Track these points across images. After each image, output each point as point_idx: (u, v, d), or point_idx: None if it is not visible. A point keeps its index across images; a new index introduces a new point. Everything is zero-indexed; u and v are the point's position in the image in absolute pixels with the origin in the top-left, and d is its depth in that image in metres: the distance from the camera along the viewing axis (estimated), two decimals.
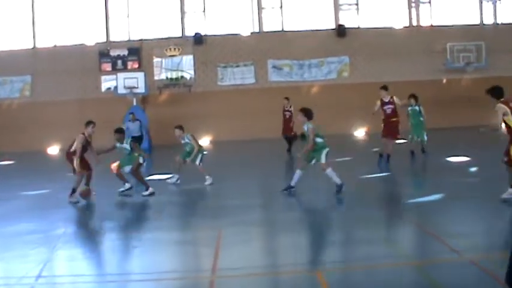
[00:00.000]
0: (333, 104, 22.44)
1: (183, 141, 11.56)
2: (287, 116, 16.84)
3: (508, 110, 7.40)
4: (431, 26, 24.29)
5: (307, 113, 9.58)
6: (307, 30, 23.81)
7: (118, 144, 10.59)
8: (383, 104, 13.12)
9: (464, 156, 13.51)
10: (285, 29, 24.10)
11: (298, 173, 9.53)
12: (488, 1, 24.46)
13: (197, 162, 11.37)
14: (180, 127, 11.53)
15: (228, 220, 8.00)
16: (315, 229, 7.65)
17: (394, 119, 13.10)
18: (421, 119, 14.54)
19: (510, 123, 7.40)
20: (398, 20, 24.39)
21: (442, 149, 14.97)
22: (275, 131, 17.64)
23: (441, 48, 23.62)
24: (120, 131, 10.78)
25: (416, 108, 14.61)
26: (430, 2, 24.42)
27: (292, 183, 9.52)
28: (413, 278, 5.25)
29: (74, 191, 9.73)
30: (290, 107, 16.84)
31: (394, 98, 13.18)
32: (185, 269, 6.03)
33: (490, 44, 23.55)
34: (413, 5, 24.37)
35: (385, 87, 13.30)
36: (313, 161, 9.53)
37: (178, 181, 11.53)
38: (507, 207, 7.73)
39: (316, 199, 9.65)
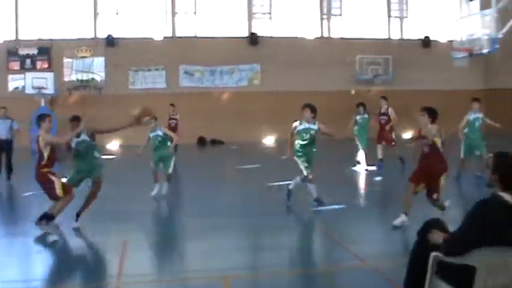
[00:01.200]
0: (243, 111, 28.67)
1: (152, 134, 12.63)
2: (172, 125, 19.22)
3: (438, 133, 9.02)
4: (342, 38, 30.96)
5: None
6: (219, 37, 29.65)
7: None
8: (380, 114, 17.32)
9: (371, 165, 16.86)
10: (197, 35, 29.99)
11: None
12: (395, 17, 31.50)
13: (170, 170, 12.62)
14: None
15: (134, 225, 9.55)
16: (222, 235, 9.01)
17: (387, 128, 17.11)
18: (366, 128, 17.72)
19: (437, 144, 9.03)
20: (310, 31, 30.85)
21: (349, 159, 18.16)
22: (186, 136, 21.34)
23: (351, 60, 30.24)
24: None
25: (366, 116, 17.89)
26: (341, 15, 31.16)
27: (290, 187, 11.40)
28: (319, 284, 6.66)
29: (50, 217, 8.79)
30: (176, 114, 20.01)
31: (390, 109, 17.20)
32: (89, 275, 7.02)
33: (396, 58, 30.43)
34: (325, 16, 30.99)
35: (385, 98, 17.46)
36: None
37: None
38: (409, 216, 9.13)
39: (224, 206, 11.47)
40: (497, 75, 31.92)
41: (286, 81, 29.66)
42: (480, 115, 14.82)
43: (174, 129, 18.29)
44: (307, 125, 11.20)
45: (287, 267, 7.29)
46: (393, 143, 17.17)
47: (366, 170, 16.87)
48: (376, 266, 6.95)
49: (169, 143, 12.96)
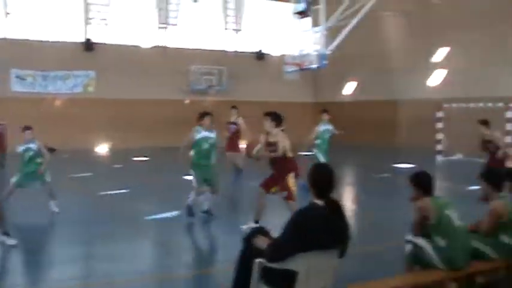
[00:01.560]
0: (77, 118, 30.29)
1: (22, 148, 12.01)
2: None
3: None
4: (177, 48, 33.68)
5: None
6: (54, 41, 31.07)
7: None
8: (230, 123, 17.79)
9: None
10: (30, 38, 31.00)
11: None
12: (231, 29, 34.81)
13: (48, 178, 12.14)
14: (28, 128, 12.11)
15: None
16: (56, 245, 9.45)
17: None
18: None
19: (288, 154, 9.76)
20: (146, 40, 33.26)
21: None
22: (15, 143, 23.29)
23: (185, 70, 32.96)
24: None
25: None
26: (177, 25, 33.86)
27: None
28: None
29: None
30: None
31: (240, 119, 17.92)
32: None
33: (231, 70, 33.67)
34: (161, 26, 33.59)
35: (235, 107, 18.11)
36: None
37: None
38: (235, 223, 10.55)
39: (56, 215, 11.67)
40: (325, 89, 36.24)
41: (121, 89, 31.69)
42: (330, 127, 16.08)
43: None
44: (206, 134, 11.26)
45: (119, 277, 7.55)
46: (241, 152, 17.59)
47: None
48: (209, 271, 7.79)
49: None
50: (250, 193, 12.62)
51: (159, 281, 7.62)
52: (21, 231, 10.12)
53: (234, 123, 17.93)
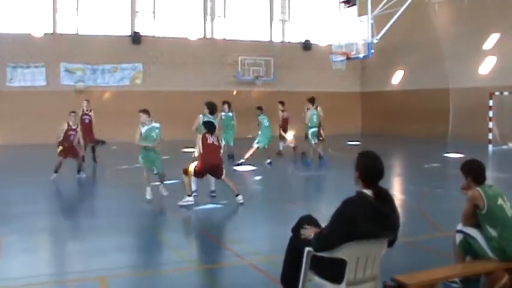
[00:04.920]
0: (124, 111, 30.63)
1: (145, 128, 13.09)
2: (86, 121, 19.83)
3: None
4: (225, 39, 33.82)
5: None
6: (102, 35, 31.53)
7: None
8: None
9: (250, 165, 18.67)
10: (79, 32, 31.66)
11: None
12: (278, 20, 34.76)
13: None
14: (146, 111, 13.30)
15: (11, 228, 9.81)
16: (100, 236, 9.45)
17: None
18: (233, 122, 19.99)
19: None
20: (193, 31, 33.48)
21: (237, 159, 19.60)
22: None
23: (233, 61, 33.13)
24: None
25: (230, 114, 20.44)
26: (224, 16, 33.98)
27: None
28: (197, 282, 7.10)
29: None
30: (90, 110, 20.35)
31: (319, 108, 20.05)
32: None
33: (278, 60, 33.68)
34: (208, 17, 33.76)
35: (312, 100, 20.11)
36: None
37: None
38: (288, 214, 10.59)
39: (103, 206, 12.31)
40: (372, 79, 35.93)
41: (169, 81, 32.15)
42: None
43: (88, 125, 19.77)
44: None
45: (167, 266, 7.75)
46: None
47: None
48: (254, 262, 7.65)
49: None
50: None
51: (208, 270, 7.65)
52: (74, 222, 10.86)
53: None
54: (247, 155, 19.30)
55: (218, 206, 12.07)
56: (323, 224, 5.16)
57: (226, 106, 20.63)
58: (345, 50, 25.99)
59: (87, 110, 20.41)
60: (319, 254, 4.95)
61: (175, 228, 10.55)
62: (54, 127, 17.07)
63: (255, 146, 19.58)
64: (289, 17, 35.68)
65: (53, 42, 30.76)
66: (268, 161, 19.47)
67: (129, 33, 32.46)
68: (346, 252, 4.74)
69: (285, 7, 35.37)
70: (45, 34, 30.85)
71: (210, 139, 11.93)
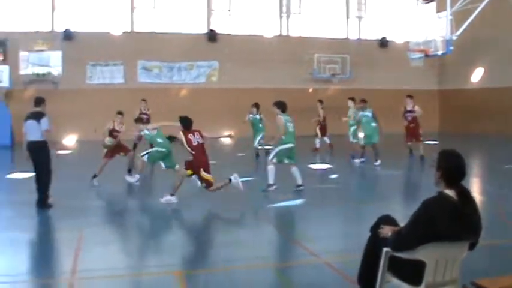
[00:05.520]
0: (201, 108, 30.88)
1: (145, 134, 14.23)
2: (144, 120, 20.25)
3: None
4: (300, 36, 33.64)
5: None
6: (178, 33, 31.98)
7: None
8: (406, 111, 19.66)
9: (324, 163, 18.92)
10: (156, 31, 32.13)
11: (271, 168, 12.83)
12: (354, 17, 34.30)
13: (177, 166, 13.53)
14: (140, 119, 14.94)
15: (90, 221, 10.15)
16: (175, 231, 9.99)
17: (412, 125, 19.49)
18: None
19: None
20: (269, 29, 33.47)
21: (306, 157, 19.45)
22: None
23: (308, 59, 32.89)
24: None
25: (257, 116, 20.02)
26: (300, 13, 33.81)
27: (271, 181, 12.83)
28: (271, 279, 7.09)
29: None
30: (148, 109, 21.20)
31: (417, 107, 19.49)
32: (43, 271, 7.35)
33: (354, 58, 33.25)
34: (283, 15, 33.66)
35: (410, 96, 19.66)
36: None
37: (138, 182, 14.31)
38: (361, 213, 10.86)
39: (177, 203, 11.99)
40: (451, 76, 34.98)
41: (243, 78, 32.15)
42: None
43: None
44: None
45: (242, 263, 7.70)
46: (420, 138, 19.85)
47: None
48: (329, 261, 7.54)
49: None
50: None
51: (282, 268, 7.69)
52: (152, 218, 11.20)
53: (410, 111, 19.41)
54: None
55: (291, 203, 11.99)
56: (402, 224, 5.05)
57: (254, 109, 20.21)
58: (423, 47, 25.63)
59: (145, 110, 20.73)
60: (398, 254, 4.84)
61: (247, 225, 10.64)
62: (132, 123, 17.30)
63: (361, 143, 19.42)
64: (365, 14, 35.17)
65: (130, 41, 31.45)
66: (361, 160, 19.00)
67: (205, 31, 32.75)
68: (425, 253, 4.63)
69: (361, 4, 34.92)
70: (123, 32, 31.59)
71: (194, 140, 11.63)
